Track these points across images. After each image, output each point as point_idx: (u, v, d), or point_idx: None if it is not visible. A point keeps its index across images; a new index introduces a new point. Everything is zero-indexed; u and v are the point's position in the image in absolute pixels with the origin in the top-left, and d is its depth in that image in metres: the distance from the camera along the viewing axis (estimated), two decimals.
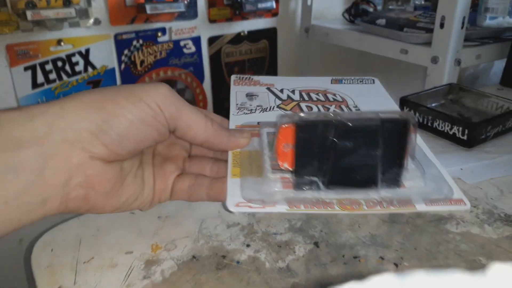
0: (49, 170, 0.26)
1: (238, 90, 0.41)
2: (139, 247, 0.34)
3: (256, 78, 0.44)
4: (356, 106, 0.39)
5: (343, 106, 0.39)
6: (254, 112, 0.38)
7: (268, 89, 0.42)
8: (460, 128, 0.51)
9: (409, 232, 0.36)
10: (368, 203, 0.28)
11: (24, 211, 0.26)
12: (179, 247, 0.34)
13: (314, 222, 0.38)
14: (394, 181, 0.30)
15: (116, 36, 0.87)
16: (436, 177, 0.31)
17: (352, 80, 0.45)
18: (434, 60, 0.73)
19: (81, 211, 0.30)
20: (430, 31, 0.75)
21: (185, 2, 0.87)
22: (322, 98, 0.41)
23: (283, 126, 0.29)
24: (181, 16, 0.90)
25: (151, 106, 0.29)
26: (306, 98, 0.41)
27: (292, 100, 0.40)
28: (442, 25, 0.71)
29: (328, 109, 0.39)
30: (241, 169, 0.31)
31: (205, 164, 0.35)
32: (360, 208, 0.28)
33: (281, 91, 0.42)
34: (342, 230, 0.37)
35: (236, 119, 0.37)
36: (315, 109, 0.39)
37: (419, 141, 0.35)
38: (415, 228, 0.37)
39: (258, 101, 0.40)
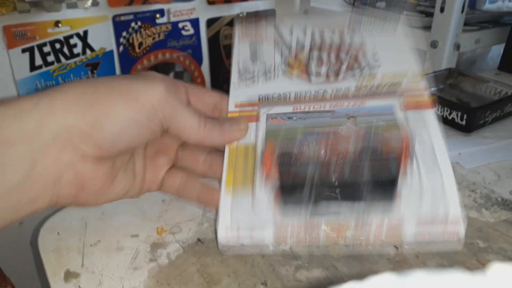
0: (39, 168, 0.26)
1: (241, 48, 0.37)
2: (144, 230, 0.35)
3: (263, 24, 0.38)
4: (375, 55, 0.35)
5: (359, 57, 0.35)
6: (257, 82, 0.35)
7: (276, 30, 0.37)
8: (459, 113, 0.51)
9: None
10: (357, 228, 0.28)
11: (14, 209, 0.26)
12: (184, 230, 0.35)
13: None
14: (387, 195, 0.28)
15: (114, 17, 0.86)
16: (436, 193, 0.29)
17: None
18: (434, 44, 0.73)
19: (73, 206, 0.31)
20: (430, 15, 0.75)
21: None
22: (337, 40, 0.35)
23: (269, 149, 0.30)
24: None
25: (147, 107, 0.28)
26: (318, 41, 0.36)
27: (302, 48, 0.35)
28: (442, 9, 0.71)
29: (341, 64, 0.34)
30: (234, 176, 0.31)
31: (199, 156, 0.35)
32: (344, 237, 0.28)
33: (291, 29, 0.37)
34: None
35: (236, 94, 0.35)
36: (325, 61, 0.34)
37: (435, 132, 0.31)
38: None
39: (261, 62, 0.36)
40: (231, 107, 0.34)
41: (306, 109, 0.32)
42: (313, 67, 0.34)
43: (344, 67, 0.33)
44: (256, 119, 0.33)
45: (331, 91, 0.33)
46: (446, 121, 0.53)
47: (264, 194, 0.30)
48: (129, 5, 0.86)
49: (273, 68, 0.35)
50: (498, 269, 0.11)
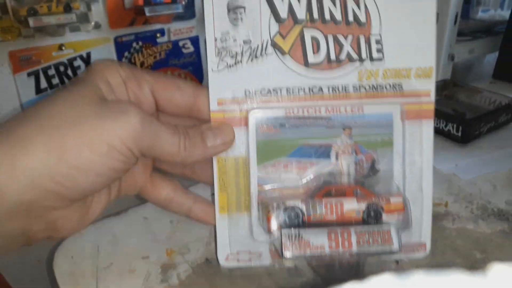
0: (5, 221, 0.24)
1: (217, 13, 0.28)
2: (154, 251, 0.37)
3: None
4: (379, 37, 0.29)
5: (361, 40, 0.29)
6: (240, 61, 0.29)
7: None
8: (455, 125, 0.53)
9: None
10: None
11: None
12: (192, 250, 0.37)
13: None
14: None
15: (116, 39, 0.88)
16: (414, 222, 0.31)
17: None
18: None
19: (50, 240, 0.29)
20: None
21: (183, 3, 0.88)
22: (338, 14, 0.29)
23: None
24: (179, 16, 0.91)
25: (121, 151, 0.25)
26: (315, 12, 0.29)
27: (294, 20, 0.29)
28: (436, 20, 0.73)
29: (340, 50, 0.29)
30: (228, 201, 0.30)
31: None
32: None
33: None
34: None
35: (217, 85, 0.29)
36: (323, 45, 0.29)
37: (427, 152, 0.30)
38: None
39: (244, 25, 0.28)
40: (213, 105, 0.29)
41: (300, 114, 0.29)
42: (308, 52, 0.29)
43: (343, 55, 0.29)
44: (245, 123, 0.29)
45: (327, 90, 0.29)
46: (442, 133, 0.54)
47: (261, 226, 0.31)
48: (130, 26, 0.88)
49: (260, 44, 0.28)
50: (498, 270, 0.11)
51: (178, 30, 0.92)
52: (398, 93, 0.30)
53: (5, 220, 0.23)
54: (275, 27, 0.28)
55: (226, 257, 0.31)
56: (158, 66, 0.94)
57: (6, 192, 0.22)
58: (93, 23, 0.83)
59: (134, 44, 0.88)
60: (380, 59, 0.29)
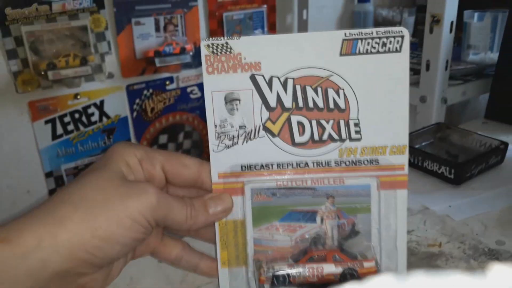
0: (44, 287, 0.27)
1: (214, 90, 0.32)
2: None
3: (235, 48, 0.32)
4: (357, 120, 0.33)
5: (341, 123, 0.33)
6: (237, 143, 0.33)
7: (253, 79, 0.32)
8: (448, 168, 0.57)
9: None
10: None
11: None
12: None
13: None
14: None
15: (128, 87, 0.94)
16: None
17: (372, 42, 0.32)
18: (423, 99, 0.79)
19: None
20: (418, 72, 0.82)
21: (191, 53, 0.94)
22: (320, 102, 0.32)
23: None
24: (187, 65, 0.97)
25: (142, 224, 0.29)
26: (300, 101, 0.32)
27: (282, 109, 0.32)
28: (427, 67, 0.77)
29: (323, 130, 0.33)
30: (228, 257, 0.34)
31: None
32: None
33: (270, 82, 0.32)
34: None
35: (218, 161, 0.33)
36: (307, 128, 0.33)
37: (401, 217, 0.34)
38: (409, 266, 0.42)
39: (240, 114, 0.32)
40: (215, 178, 0.33)
41: (289, 185, 0.33)
42: (295, 134, 0.33)
43: (325, 136, 0.33)
44: (241, 192, 0.34)
45: (312, 165, 0.33)
46: (436, 175, 0.58)
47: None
48: (141, 75, 0.94)
49: (254, 128, 0.33)
50: (497, 271, 0.11)
51: (186, 78, 0.98)
52: (375, 167, 0.33)
53: (45, 286, 0.27)
54: (266, 114, 0.33)
55: None
56: (167, 111, 0.99)
57: (49, 263, 0.26)
58: (106, 73, 0.89)
59: (145, 91, 0.94)
60: (358, 139, 0.33)
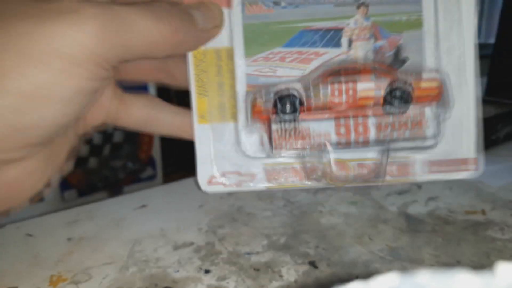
0: None
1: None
2: (29, 279, 0.21)
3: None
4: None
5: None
6: None
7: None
8: None
9: (441, 242, 0.25)
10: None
11: None
12: (95, 277, 0.22)
13: (305, 236, 0.26)
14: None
15: None
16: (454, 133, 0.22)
17: None
18: None
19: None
20: None
21: None
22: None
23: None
24: None
25: (87, 64, 0.17)
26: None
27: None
28: None
29: None
30: (209, 103, 0.22)
31: (147, 63, 0.24)
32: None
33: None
34: (348, 244, 0.25)
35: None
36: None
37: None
38: (447, 237, 0.26)
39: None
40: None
41: None
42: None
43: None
44: (227, 3, 0.22)
45: None
46: None
47: (252, 136, 0.23)
48: None
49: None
50: (505, 269, 0.10)
51: None
52: None
53: None
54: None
55: (208, 179, 0.23)
56: None
57: None
58: None
59: None
60: None
